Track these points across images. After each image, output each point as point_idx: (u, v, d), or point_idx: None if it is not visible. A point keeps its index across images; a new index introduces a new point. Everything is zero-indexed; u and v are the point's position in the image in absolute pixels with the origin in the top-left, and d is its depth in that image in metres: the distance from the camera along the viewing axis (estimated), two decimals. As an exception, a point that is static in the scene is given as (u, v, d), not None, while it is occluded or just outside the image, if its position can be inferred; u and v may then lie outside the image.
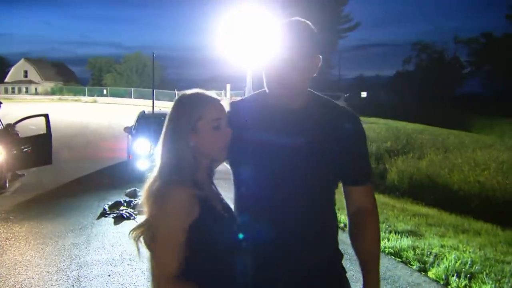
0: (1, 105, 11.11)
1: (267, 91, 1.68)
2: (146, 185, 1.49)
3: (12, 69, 76.00)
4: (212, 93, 1.64)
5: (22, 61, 76.45)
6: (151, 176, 1.50)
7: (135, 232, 1.46)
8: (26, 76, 74.51)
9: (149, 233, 1.43)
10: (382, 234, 5.61)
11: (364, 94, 44.33)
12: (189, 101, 1.57)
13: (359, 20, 49.19)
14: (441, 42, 49.92)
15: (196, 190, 1.44)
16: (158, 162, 1.52)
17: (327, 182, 1.70)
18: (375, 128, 20.64)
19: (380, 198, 8.36)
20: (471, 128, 27.69)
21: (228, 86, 40.98)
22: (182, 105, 1.57)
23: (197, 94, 1.61)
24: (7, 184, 8.81)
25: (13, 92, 67.48)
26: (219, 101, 1.60)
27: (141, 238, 1.45)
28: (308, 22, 1.65)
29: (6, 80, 72.48)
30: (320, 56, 1.64)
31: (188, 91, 1.63)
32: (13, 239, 5.88)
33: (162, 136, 1.55)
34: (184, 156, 1.48)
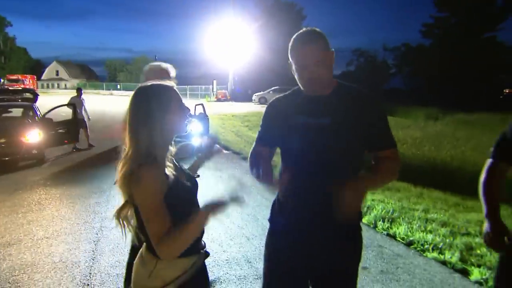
0: (38, 97, 10.83)
1: (301, 88, 1.70)
2: (118, 171, 1.37)
3: (47, 69, 74.98)
4: (170, 82, 1.49)
5: (54, 63, 75.30)
6: (120, 161, 1.38)
7: (122, 212, 1.39)
8: (57, 74, 73.48)
9: (132, 211, 1.39)
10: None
11: None
12: (158, 91, 1.42)
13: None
14: (374, 49, 51.22)
15: (164, 167, 1.39)
16: (128, 147, 1.38)
17: (351, 152, 1.66)
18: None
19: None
20: (395, 114, 28.10)
21: (214, 82, 40.71)
22: (151, 94, 1.41)
23: (159, 85, 1.44)
24: (45, 157, 8.69)
25: (47, 87, 66.27)
26: (175, 88, 1.48)
27: (128, 216, 1.40)
28: (316, 29, 1.65)
29: (42, 78, 70.90)
30: (333, 50, 1.65)
31: (149, 83, 1.45)
32: (50, 199, 5.82)
33: (131, 123, 1.39)
34: (157, 139, 1.38)
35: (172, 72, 2.58)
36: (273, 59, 34.38)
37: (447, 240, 4.09)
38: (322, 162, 1.62)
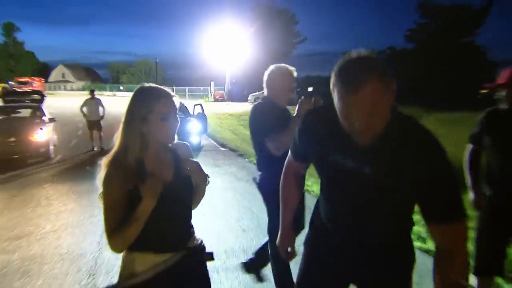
0: (45, 98, 10.76)
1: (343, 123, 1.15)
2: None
3: (53, 72, 74.26)
4: (165, 88, 1.40)
5: (60, 66, 74.74)
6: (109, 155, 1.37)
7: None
8: (63, 77, 72.90)
9: None
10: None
11: (310, 89, 44.43)
12: (144, 95, 1.35)
13: (306, 36, 48.86)
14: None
15: (133, 168, 1.33)
16: (115, 145, 1.39)
17: (397, 209, 1.29)
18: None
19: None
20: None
21: (212, 83, 40.66)
22: (137, 98, 1.35)
23: (150, 88, 1.38)
24: (52, 155, 8.65)
25: (54, 89, 65.68)
26: (171, 96, 1.37)
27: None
28: (368, 55, 1.17)
29: (49, 80, 70.42)
30: (390, 77, 1.15)
31: (146, 84, 1.39)
32: (57, 194, 5.79)
33: (121, 124, 1.37)
34: (132, 141, 1.33)
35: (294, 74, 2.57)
36: (267, 61, 34.17)
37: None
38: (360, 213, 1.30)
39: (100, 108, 10.01)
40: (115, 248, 1.35)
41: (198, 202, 1.57)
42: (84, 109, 9.87)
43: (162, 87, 1.41)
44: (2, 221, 4.57)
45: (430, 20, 40.23)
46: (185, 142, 1.57)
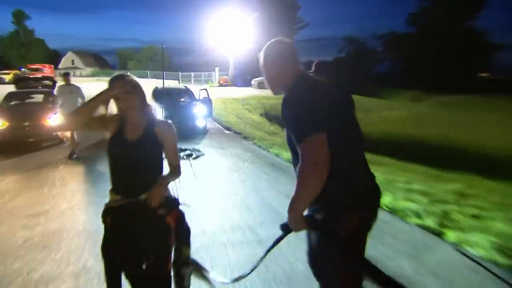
0: (56, 84, 10.76)
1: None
2: None
3: (63, 59, 73.64)
4: (120, 73, 1.92)
5: (70, 53, 73.96)
6: None
7: None
8: (73, 63, 72.42)
9: None
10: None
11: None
12: (111, 79, 1.83)
13: (308, 22, 48.03)
14: (363, 37, 50.50)
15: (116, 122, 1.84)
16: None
17: None
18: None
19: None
20: (383, 96, 27.95)
21: (217, 69, 40.32)
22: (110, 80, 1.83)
23: (116, 75, 1.86)
24: (64, 139, 8.68)
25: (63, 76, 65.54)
26: (123, 79, 1.82)
27: None
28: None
29: (59, 67, 70.14)
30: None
31: (116, 72, 1.94)
32: (72, 175, 5.88)
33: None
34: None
35: None
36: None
37: (427, 208, 4.17)
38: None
39: (79, 100, 7.20)
40: (66, 118, 1.92)
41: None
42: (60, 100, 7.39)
43: (121, 73, 1.91)
44: (22, 200, 4.68)
45: (431, 4, 39.41)
46: (169, 121, 1.89)
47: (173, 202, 1.85)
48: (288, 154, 6.29)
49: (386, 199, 4.48)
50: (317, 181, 1.42)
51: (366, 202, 1.61)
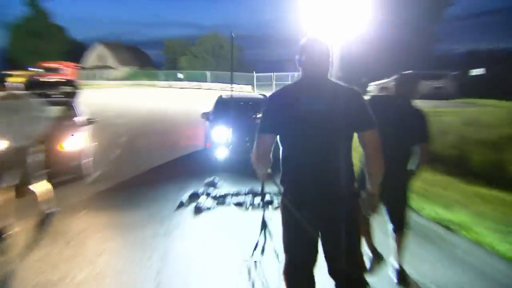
0: (78, 90, 11.23)
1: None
2: None
3: (88, 55, 78.05)
4: None
5: (97, 45, 78.68)
6: None
7: None
8: (102, 61, 76.32)
9: None
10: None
11: (477, 72, 39.08)
12: None
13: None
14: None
15: None
16: None
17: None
18: (495, 112, 18.39)
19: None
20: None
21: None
22: None
23: None
24: (88, 172, 8.99)
25: (88, 78, 66.02)
26: None
27: None
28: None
29: (83, 64, 72.40)
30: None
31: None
32: (95, 227, 6.18)
33: None
34: None
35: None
36: (402, 36, 33.26)
37: None
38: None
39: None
40: None
41: None
42: None
43: None
44: (24, 263, 4.93)
45: None
46: None
47: None
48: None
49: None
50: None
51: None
